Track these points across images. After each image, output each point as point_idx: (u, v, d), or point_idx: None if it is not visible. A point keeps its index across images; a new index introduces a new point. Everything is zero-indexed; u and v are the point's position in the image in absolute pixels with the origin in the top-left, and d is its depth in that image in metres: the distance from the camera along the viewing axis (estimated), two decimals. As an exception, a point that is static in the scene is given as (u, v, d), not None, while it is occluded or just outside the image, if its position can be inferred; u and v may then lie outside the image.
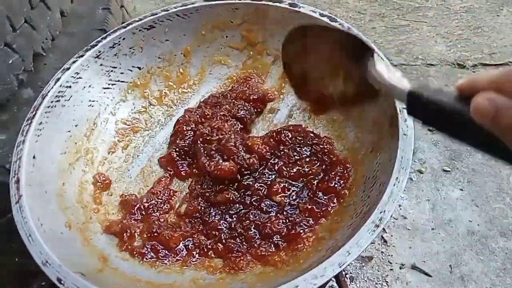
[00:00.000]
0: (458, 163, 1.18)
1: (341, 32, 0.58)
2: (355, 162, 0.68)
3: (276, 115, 0.81)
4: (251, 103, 0.80)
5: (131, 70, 0.83)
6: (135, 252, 0.62)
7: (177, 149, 0.75)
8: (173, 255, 0.62)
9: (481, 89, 0.31)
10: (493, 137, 0.31)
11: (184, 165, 0.74)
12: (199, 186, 0.69)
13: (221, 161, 0.69)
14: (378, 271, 0.97)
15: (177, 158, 0.74)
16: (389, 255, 1.01)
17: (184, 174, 0.73)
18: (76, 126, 0.73)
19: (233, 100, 0.80)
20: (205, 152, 0.71)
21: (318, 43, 0.60)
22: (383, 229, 1.05)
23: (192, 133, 0.76)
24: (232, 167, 0.67)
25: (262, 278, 0.56)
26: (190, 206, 0.68)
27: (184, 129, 0.77)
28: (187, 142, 0.75)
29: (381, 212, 0.52)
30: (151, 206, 0.68)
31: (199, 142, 0.72)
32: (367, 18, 1.73)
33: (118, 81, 0.81)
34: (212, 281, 0.58)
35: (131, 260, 0.61)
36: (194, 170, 0.73)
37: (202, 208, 0.67)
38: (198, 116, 0.79)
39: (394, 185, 0.54)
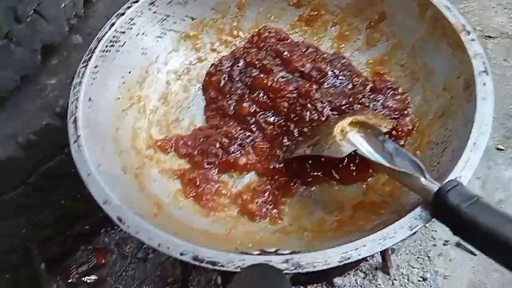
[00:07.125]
0: (514, 142, 1.11)
1: None
2: (421, 127, 0.64)
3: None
4: None
5: (184, 20, 0.80)
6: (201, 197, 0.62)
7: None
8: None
9: None
10: None
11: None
12: None
13: None
14: (421, 245, 0.94)
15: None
16: (433, 230, 0.97)
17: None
18: (129, 72, 0.72)
19: None
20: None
21: None
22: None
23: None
24: None
25: (319, 236, 0.55)
26: None
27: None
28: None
29: (456, 178, 0.49)
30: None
31: None
32: (422, -16, 1.62)
33: (171, 30, 0.79)
34: (267, 234, 0.57)
35: (185, 208, 0.61)
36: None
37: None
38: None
39: (471, 151, 0.51)
